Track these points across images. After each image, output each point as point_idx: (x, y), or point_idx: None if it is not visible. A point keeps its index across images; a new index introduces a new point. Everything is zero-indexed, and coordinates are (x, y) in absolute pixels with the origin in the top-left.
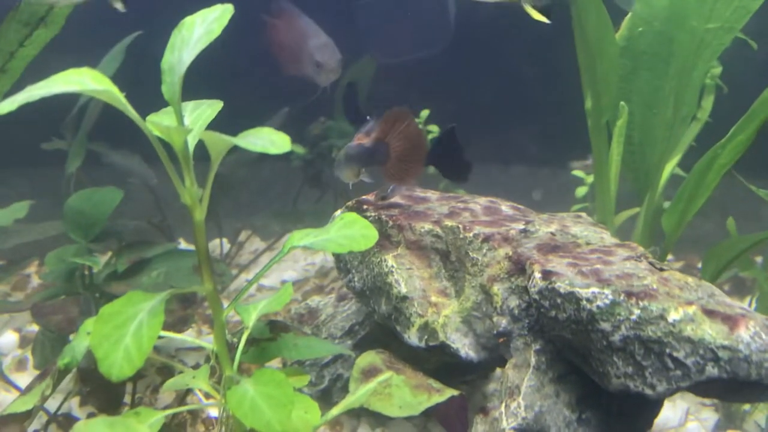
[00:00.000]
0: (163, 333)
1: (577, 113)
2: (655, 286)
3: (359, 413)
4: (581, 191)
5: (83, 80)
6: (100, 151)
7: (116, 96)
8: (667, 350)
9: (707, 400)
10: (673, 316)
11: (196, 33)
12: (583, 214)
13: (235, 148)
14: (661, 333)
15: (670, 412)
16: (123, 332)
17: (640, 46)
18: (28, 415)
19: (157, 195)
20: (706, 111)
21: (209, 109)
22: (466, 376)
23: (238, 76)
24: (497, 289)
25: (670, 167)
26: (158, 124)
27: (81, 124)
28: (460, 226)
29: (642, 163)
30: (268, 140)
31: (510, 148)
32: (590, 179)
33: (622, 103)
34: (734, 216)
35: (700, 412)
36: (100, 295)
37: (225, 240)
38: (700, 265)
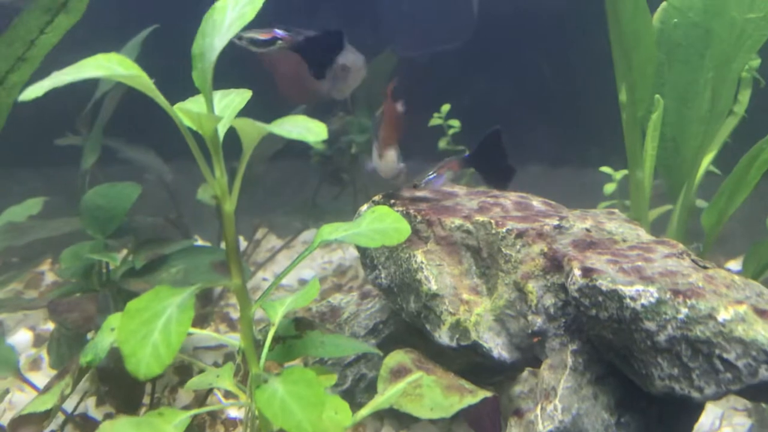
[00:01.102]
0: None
1: (600, 110)
2: (701, 284)
3: (382, 414)
4: (610, 188)
5: (112, 66)
6: (116, 147)
7: (146, 82)
8: (717, 351)
9: (740, 405)
10: (722, 315)
11: (228, 18)
12: (616, 210)
13: None
14: (710, 333)
15: (703, 417)
16: (151, 328)
17: (675, 37)
18: (47, 415)
19: (173, 191)
20: (743, 105)
21: (238, 97)
22: (493, 378)
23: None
24: (532, 286)
25: (706, 163)
26: (189, 111)
27: (96, 120)
28: (492, 221)
29: (675, 158)
30: (305, 127)
31: (529, 146)
32: (619, 175)
33: (657, 95)
34: (760, 217)
35: (733, 417)
36: (118, 291)
37: (241, 237)
38: (727, 266)
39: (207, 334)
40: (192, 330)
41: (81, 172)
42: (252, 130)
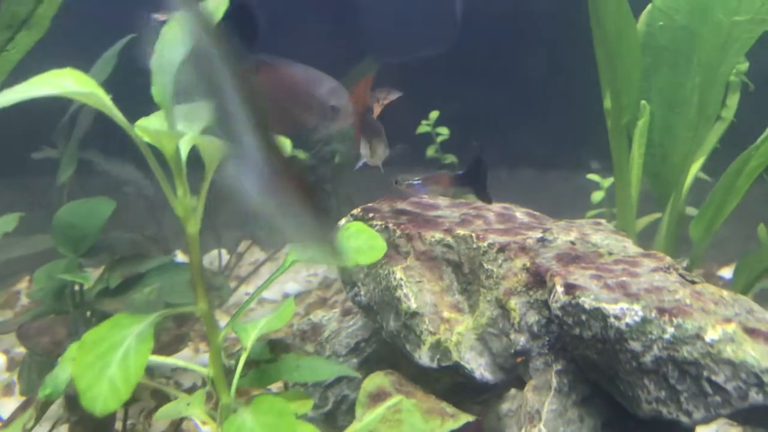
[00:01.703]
0: (152, 358)
1: (590, 113)
2: (688, 302)
3: None
4: (597, 196)
5: (65, 82)
6: (93, 160)
7: (101, 99)
8: (705, 373)
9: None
10: (710, 335)
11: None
12: (603, 221)
13: None
14: (697, 354)
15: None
16: (108, 361)
17: (661, 41)
18: None
19: (153, 205)
20: (731, 110)
21: (204, 111)
22: (479, 396)
23: None
24: (514, 303)
25: (695, 170)
26: (147, 128)
27: (73, 132)
28: (473, 235)
29: (663, 166)
30: None
31: (518, 151)
32: (606, 183)
33: (643, 102)
34: (754, 221)
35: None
36: (92, 313)
37: (224, 251)
38: (720, 273)
39: (172, 363)
40: (154, 358)
41: (57, 186)
42: (212, 148)
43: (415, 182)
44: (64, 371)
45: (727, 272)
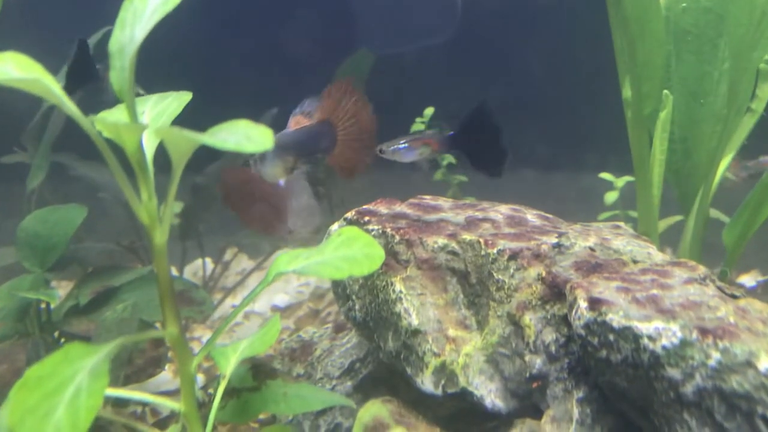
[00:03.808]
0: (110, 391)
1: (598, 110)
2: (732, 320)
3: None
4: (611, 197)
5: (5, 68)
6: (66, 163)
7: (47, 86)
8: (759, 410)
9: None
10: (765, 363)
11: (151, 2)
12: (623, 224)
13: (218, 154)
14: (749, 386)
15: None
16: (54, 403)
17: (683, 25)
18: None
19: (131, 211)
20: (762, 101)
21: (175, 102)
22: (487, 424)
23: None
24: (529, 319)
25: (723, 168)
26: (104, 121)
27: (44, 134)
28: (481, 240)
29: (686, 163)
30: (244, 135)
31: (523, 150)
32: (621, 183)
33: (665, 91)
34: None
35: None
36: (60, 335)
37: (208, 260)
38: (740, 279)
39: (138, 397)
40: (111, 392)
41: (27, 193)
42: (181, 141)
43: (401, 146)
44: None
45: (747, 280)
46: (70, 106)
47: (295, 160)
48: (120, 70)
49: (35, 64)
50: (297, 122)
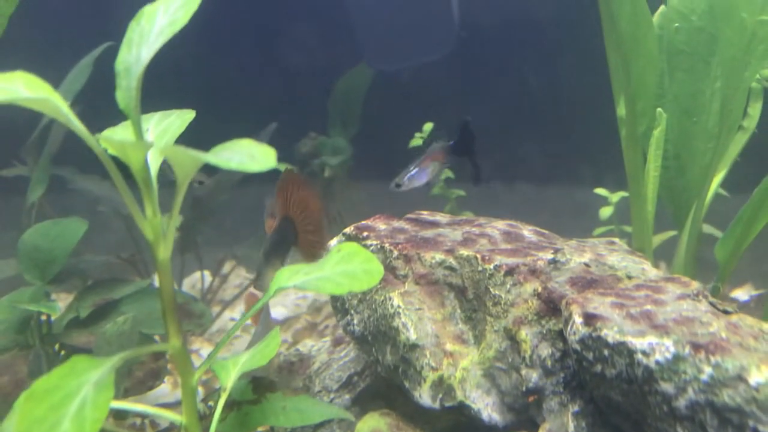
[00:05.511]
0: (116, 405)
1: (593, 125)
2: (724, 335)
3: None
4: (606, 212)
5: (14, 87)
6: (66, 177)
7: (57, 106)
8: (751, 423)
9: None
10: (755, 377)
11: (157, 24)
12: (617, 240)
13: (217, 169)
14: (740, 400)
15: None
16: (60, 415)
17: (676, 44)
18: None
19: (131, 224)
20: (753, 119)
21: (178, 119)
22: None
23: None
24: (525, 334)
25: (716, 184)
26: (110, 139)
27: (44, 147)
28: (478, 256)
29: (679, 179)
30: (247, 155)
31: (519, 164)
32: (615, 198)
33: (659, 109)
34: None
35: None
36: (60, 347)
37: (207, 272)
38: (733, 294)
39: (140, 409)
40: (116, 405)
41: (27, 206)
42: (185, 160)
43: (413, 172)
44: (11, 426)
45: (740, 294)
46: (77, 125)
47: (281, 262)
48: (126, 89)
49: (44, 83)
50: (269, 226)
